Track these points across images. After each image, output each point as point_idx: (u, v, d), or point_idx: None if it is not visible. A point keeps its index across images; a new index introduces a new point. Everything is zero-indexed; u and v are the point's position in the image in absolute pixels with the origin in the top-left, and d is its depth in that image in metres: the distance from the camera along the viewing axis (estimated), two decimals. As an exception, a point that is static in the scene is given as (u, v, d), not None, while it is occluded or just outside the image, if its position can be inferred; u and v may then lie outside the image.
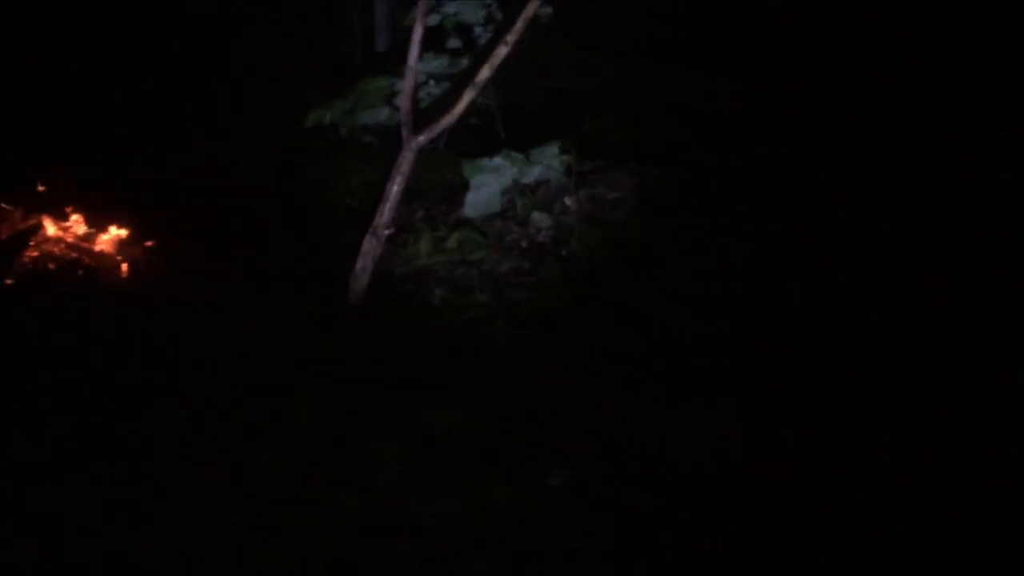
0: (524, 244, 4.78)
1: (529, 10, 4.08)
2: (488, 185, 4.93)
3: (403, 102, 4.18)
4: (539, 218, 4.87)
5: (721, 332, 3.96)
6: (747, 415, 3.41)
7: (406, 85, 4.16)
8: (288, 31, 6.57)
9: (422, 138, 4.19)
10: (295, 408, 3.39)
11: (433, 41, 5.36)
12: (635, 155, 5.06)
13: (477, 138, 5.69)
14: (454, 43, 5.17)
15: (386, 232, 4.24)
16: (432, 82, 5.24)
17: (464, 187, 5.27)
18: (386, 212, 4.23)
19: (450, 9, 5.15)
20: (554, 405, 3.43)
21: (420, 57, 4.18)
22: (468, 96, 4.21)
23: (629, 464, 3.10)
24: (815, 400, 3.50)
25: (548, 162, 4.93)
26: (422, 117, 4.42)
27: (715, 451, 3.21)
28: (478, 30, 5.05)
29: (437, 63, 5.22)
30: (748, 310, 4.06)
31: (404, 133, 4.17)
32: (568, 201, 4.86)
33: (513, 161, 4.91)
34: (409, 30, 4.24)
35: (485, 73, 4.17)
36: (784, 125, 5.17)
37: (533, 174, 4.96)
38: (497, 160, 4.96)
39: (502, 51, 4.15)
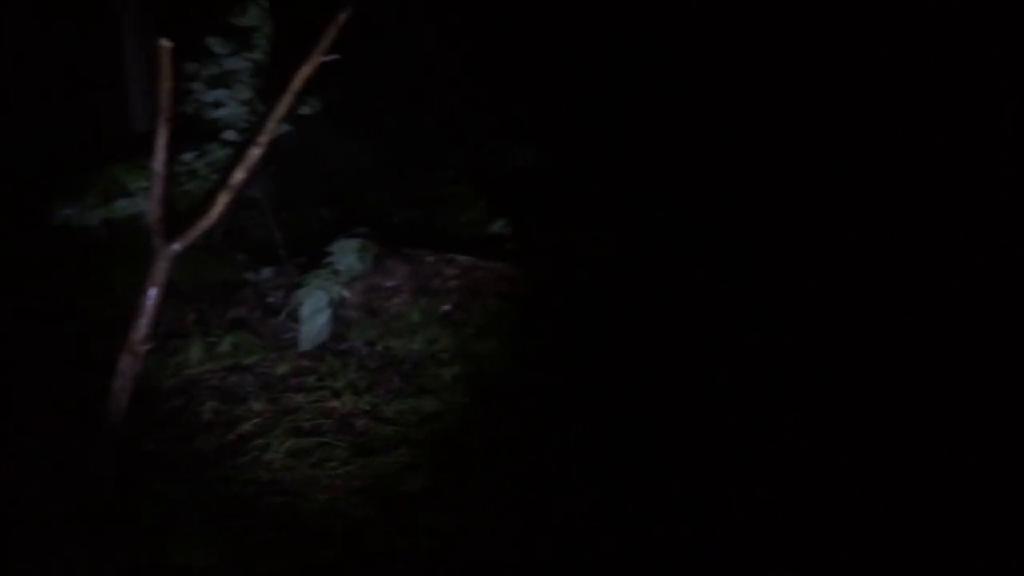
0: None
1: (280, 111, 3.99)
2: (320, 312, 4.52)
3: (151, 210, 3.95)
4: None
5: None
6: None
7: (153, 192, 3.94)
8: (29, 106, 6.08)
9: (176, 246, 3.97)
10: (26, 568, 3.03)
11: (193, 132, 5.15)
12: (411, 240, 5.06)
13: (253, 229, 5.52)
14: (213, 143, 4.97)
15: (144, 348, 3.96)
16: (190, 177, 5.01)
17: (240, 283, 5.08)
18: (142, 326, 3.94)
19: (209, 99, 4.96)
20: (330, 525, 3.29)
21: (168, 161, 3.97)
22: (224, 198, 4.03)
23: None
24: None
25: (352, 261, 4.72)
26: (179, 219, 4.21)
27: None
28: (238, 125, 4.89)
29: (194, 156, 5.00)
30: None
31: (155, 242, 3.94)
32: (345, 292, 4.76)
33: (333, 280, 4.61)
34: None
35: (239, 175, 4.03)
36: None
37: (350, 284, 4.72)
38: (318, 282, 4.60)
39: (256, 152, 4.03)
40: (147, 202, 5.02)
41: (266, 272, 5.02)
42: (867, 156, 5.42)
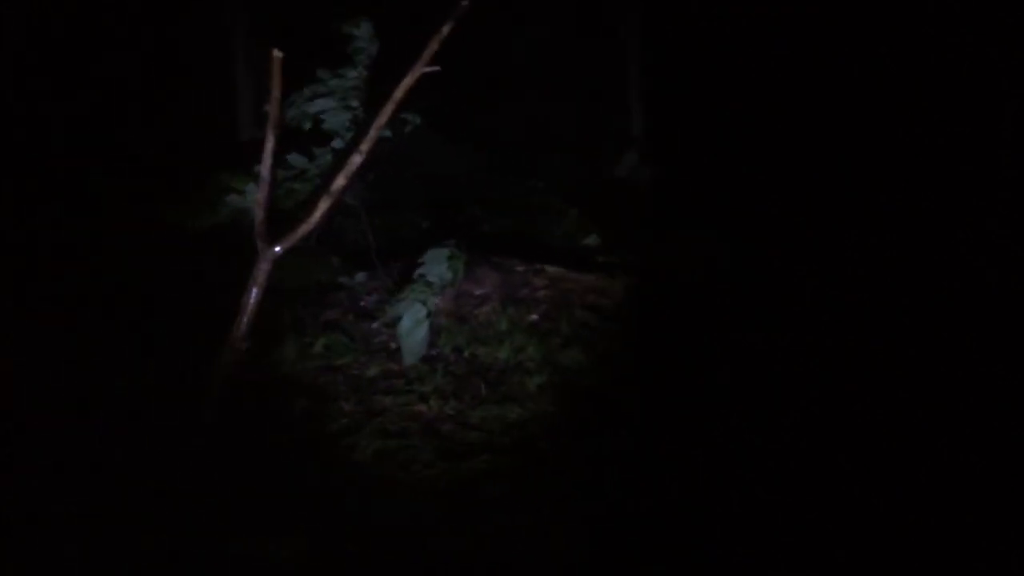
0: (393, 345, 4.72)
1: (381, 119, 4.11)
2: (420, 324, 4.56)
3: (257, 213, 4.11)
4: (408, 317, 4.80)
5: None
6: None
7: (259, 196, 4.10)
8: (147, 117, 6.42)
9: (278, 249, 4.13)
10: (121, 547, 3.17)
11: (297, 139, 5.33)
12: (501, 248, 5.11)
13: (349, 234, 5.68)
14: (318, 148, 5.14)
15: (243, 345, 4.12)
16: (295, 181, 5.19)
17: (334, 286, 5.22)
18: (243, 325, 4.11)
19: (312, 109, 5.13)
20: (404, 525, 3.35)
21: (273, 167, 4.13)
22: (324, 204, 4.19)
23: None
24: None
25: (443, 270, 4.80)
26: (281, 223, 4.36)
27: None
28: (343, 133, 5.04)
29: (300, 161, 5.17)
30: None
31: (259, 244, 4.10)
32: (436, 299, 4.84)
33: (429, 292, 4.69)
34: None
35: (340, 181, 4.17)
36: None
37: (442, 293, 4.78)
38: (415, 295, 4.66)
39: (357, 159, 4.17)
40: (244, 211, 5.31)
41: (360, 277, 5.15)
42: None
